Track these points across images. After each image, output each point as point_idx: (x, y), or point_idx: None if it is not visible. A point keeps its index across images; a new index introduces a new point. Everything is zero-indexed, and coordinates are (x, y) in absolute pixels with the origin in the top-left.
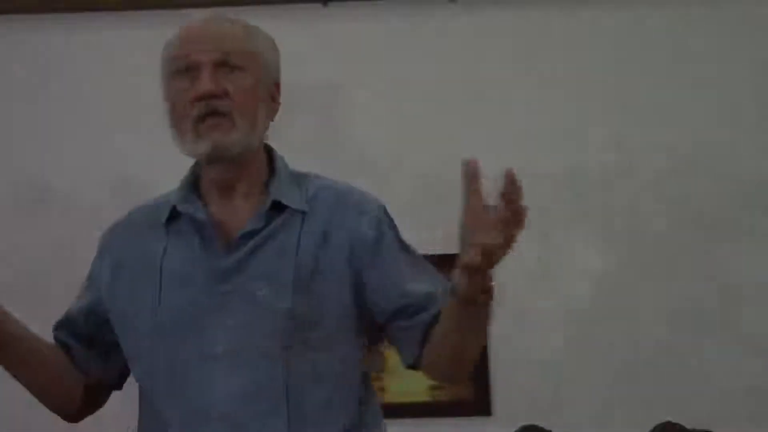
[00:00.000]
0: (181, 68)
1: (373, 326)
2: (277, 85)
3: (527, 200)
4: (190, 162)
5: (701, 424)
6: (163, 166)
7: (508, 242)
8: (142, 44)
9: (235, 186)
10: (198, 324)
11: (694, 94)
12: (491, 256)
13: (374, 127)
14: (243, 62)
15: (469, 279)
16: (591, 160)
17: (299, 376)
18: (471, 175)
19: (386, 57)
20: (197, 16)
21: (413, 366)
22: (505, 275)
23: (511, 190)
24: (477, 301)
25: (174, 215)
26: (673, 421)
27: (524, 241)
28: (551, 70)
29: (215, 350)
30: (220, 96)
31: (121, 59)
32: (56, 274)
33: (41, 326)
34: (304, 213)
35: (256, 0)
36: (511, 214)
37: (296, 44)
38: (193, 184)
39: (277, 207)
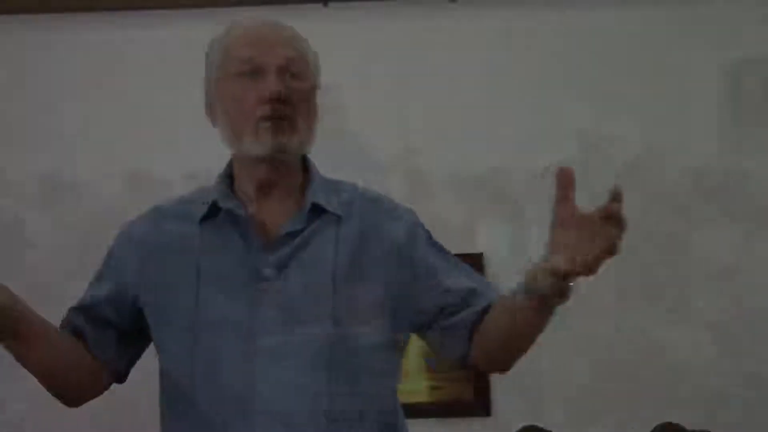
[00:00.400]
0: (245, 70)
1: (407, 327)
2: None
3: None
4: (195, 157)
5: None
6: (171, 161)
7: (609, 252)
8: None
9: (275, 187)
10: (238, 320)
11: (658, 91)
12: (590, 266)
13: (373, 126)
14: (301, 69)
15: (555, 282)
16: (569, 154)
17: (339, 371)
18: (565, 182)
19: (386, 57)
20: (200, 16)
21: (461, 362)
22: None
23: (616, 202)
24: (555, 302)
25: (210, 212)
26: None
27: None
28: (533, 70)
29: (256, 346)
30: (285, 100)
31: (134, 59)
32: (79, 262)
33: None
34: (339, 217)
35: (256, 0)
36: (614, 225)
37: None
38: (229, 182)
39: (315, 210)
